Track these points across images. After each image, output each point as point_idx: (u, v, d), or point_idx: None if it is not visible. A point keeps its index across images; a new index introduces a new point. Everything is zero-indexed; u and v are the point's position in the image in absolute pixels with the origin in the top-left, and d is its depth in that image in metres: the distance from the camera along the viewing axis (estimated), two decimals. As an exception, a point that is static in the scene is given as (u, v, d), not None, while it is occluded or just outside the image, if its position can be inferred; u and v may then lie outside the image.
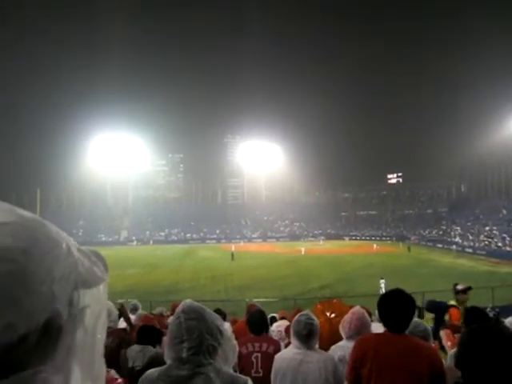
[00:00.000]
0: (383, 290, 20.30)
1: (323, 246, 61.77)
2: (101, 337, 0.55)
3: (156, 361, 2.82)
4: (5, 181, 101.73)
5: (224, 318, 7.85)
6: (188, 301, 1.61)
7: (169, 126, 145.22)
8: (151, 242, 76.90)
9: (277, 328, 5.72)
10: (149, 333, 3.72)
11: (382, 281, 21.53)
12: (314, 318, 3.21)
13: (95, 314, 0.52)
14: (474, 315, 3.39)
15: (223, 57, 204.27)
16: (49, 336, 0.42)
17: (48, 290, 0.42)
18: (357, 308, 3.57)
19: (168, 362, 1.53)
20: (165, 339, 1.68)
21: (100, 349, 0.55)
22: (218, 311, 8.34)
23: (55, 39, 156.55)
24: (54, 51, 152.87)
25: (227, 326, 1.62)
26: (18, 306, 0.39)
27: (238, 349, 1.71)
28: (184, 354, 1.47)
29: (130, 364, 3.41)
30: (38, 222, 0.47)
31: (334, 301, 5.21)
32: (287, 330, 5.17)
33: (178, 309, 1.57)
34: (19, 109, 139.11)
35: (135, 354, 3.47)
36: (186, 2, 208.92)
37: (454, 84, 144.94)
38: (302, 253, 48.89)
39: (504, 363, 1.50)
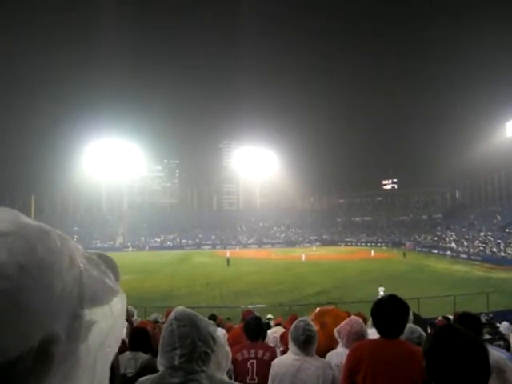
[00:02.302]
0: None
1: (317, 252, 61.54)
2: (110, 350, 0.51)
3: (148, 367, 2.80)
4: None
5: (219, 324, 7.82)
6: (180, 307, 1.60)
7: (164, 132, 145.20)
8: (147, 247, 76.50)
9: (272, 335, 5.68)
10: (141, 337, 3.69)
11: (381, 288, 20.91)
12: (313, 324, 3.20)
13: (104, 330, 0.48)
14: (466, 321, 3.39)
15: (219, 63, 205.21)
16: (44, 357, 0.39)
17: (45, 308, 0.39)
18: (354, 319, 3.54)
19: (161, 369, 1.52)
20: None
21: (106, 366, 0.51)
22: (213, 317, 8.32)
23: (50, 44, 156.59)
24: (49, 56, 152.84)
25: (220, 333, 1.61)
26: (8, 329, 0.36)
27: (231, 355, 1.69)
28: (176, 362, 1.45)
29: (122, 370, 3.37)
30: (41, 232, 0.43)
31: (331, 308, 5.21)
32: (282, 337, 5.15)
33: (171, 316, 1.56)
34: (14, 114, 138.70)
35: (127, 360, 3.44)
36: (183, 9, 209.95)
37: (449, 91, 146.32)
38: (303, 259, 48.45)
39: (465, 364, 1.50)
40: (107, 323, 0.49)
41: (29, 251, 0.40)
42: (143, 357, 3.47)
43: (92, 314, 0.46)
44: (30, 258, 0.40)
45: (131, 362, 3.41)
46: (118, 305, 0.52)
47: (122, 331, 0.55)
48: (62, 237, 0.46)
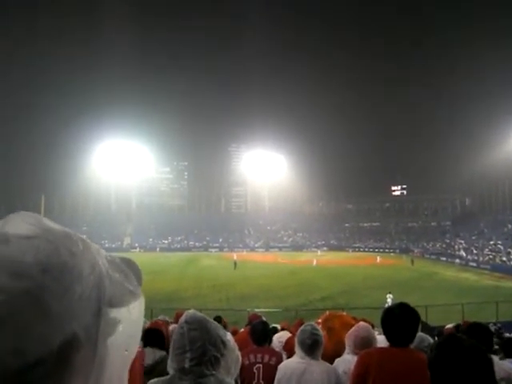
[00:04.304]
0: (389, 305, 19.72)
1: (324, 257, 61.00)
2: (128, 353, 0.51)
3: (164, 362, 2.87)
4: (10, 187, 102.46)
5: (225, 326, 7.80)
6: (191, 311, 1.61)
7: (174, 134, 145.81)
8: (158, 249, 76.95)
9: (278, 339, 5.65)
10: (155, 336, 3.81)
11: (389, 295, 20.78)
12: (319, 328, 3.20)
13: (123, 334, 0.48)
14: (475, 331, 3.34)
15: (228, 66, 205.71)
16: (64, 361, 0.39)
17: (65, 311, 0.40)
18: (362, 324, 3.51)
19: (170, 372, 1.52)
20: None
21: (124, 368, 0.51)
22: (218, 319, 8.30)
23: (59, 44, 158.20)
24: (58, 57, 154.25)
25: (230, 337, 1.61)
26: (29, 329, 0.36)
27: (240, 360, 1.69)
28: (186, 365, 1.46)
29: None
30: (65, 236, 0.44)
31: (339, 313, 5.19)
32: (286, 344, 5.10)
33: (182, 319, 1.56)
34: (24, 114, 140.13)
35: (147, 354, 3.57)
36: (189, 12, 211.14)
37: (459, 97, 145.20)
38: (314, 264, 48.09)
39: (469, 375, 1.49)
40: (125, 326, 0.49)
41: (52, 254, 0.41)
42: (161, 352, 3.66)
43: (111, 317, 0.46)
44: (53, 261, 0.40)
45: (151, 355, 3.56)
46: (136, 308, 0.52)
47: (139, 334, 0.55)
48: (84, 241, 0.47)
